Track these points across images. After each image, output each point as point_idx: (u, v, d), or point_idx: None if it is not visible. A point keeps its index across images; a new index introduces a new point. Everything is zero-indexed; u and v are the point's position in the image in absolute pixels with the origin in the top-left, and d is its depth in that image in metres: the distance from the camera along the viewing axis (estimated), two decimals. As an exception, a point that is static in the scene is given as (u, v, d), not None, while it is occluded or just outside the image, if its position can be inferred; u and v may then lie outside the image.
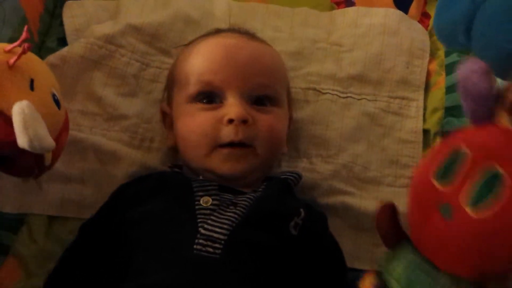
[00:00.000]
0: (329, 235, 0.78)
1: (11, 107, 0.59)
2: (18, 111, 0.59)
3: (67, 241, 0.78)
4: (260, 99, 0.79)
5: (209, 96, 0.78)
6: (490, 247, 0.42)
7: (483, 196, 0.43)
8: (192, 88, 0.79)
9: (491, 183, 0.43)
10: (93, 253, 0.72)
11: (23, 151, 0.60)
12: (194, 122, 0.77)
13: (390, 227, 0.52)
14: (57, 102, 0.68)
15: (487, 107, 0.44)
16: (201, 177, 0.75)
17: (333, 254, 0.76)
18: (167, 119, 0.87)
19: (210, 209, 0.70)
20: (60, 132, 0.69)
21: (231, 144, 0.75)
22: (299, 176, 0.82)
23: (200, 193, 0.72)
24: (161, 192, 0.74)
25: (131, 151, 0.88)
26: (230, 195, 0.73)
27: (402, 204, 0.83)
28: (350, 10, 1.07)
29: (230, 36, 0.85)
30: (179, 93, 0.82)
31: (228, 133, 0.75)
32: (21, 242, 0.78)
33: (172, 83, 0.86)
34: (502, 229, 0.42)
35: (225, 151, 0.75)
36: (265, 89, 0.80)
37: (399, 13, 1.04)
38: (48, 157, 0.66)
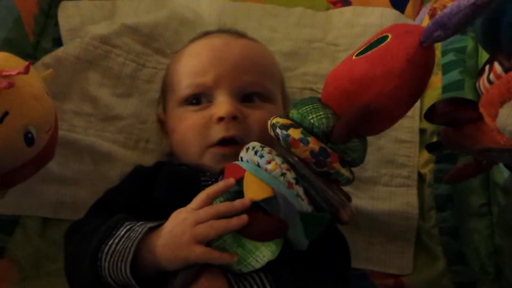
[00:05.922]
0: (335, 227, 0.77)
1: None
2: None
3: (62, 242, 0.77)
4: (249, 96, 0.79)
5: (199, 98, 0.78)
6: (356, 79, 0.59)
7: (368, 49, 0.59)
8: (182, 91, 0.79)
9: (379, 43, 0.59)
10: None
11: None
12: (186, 124, 0.77)
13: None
14: (30, 140, 0.67)
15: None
16: (208, 174, 0.74)
17: (339, 242, 0.75)
18: (165, 126, 0.86)
19: None
20: (24, 165, 0.69)
21: (222, 142, 0.74)
22: None
23: None
24: (171, 185, 0.73)
25: (126, 152, 0.87)
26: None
27: (398, 204, 0.86)
28: (346, 9, 1.07)
29: (218, 36, 0.84)
30: (172, 99, 0.82)
31: (218, 130, 0.74)
32: (16, 243, 0.78)
33: (165, 90, 0.86)
34: (365, 66, 0.58)
35: (216, 151, 0.75)
36: (254, 86, 0.79)
37: (395, 12, 1.04)
38: None
